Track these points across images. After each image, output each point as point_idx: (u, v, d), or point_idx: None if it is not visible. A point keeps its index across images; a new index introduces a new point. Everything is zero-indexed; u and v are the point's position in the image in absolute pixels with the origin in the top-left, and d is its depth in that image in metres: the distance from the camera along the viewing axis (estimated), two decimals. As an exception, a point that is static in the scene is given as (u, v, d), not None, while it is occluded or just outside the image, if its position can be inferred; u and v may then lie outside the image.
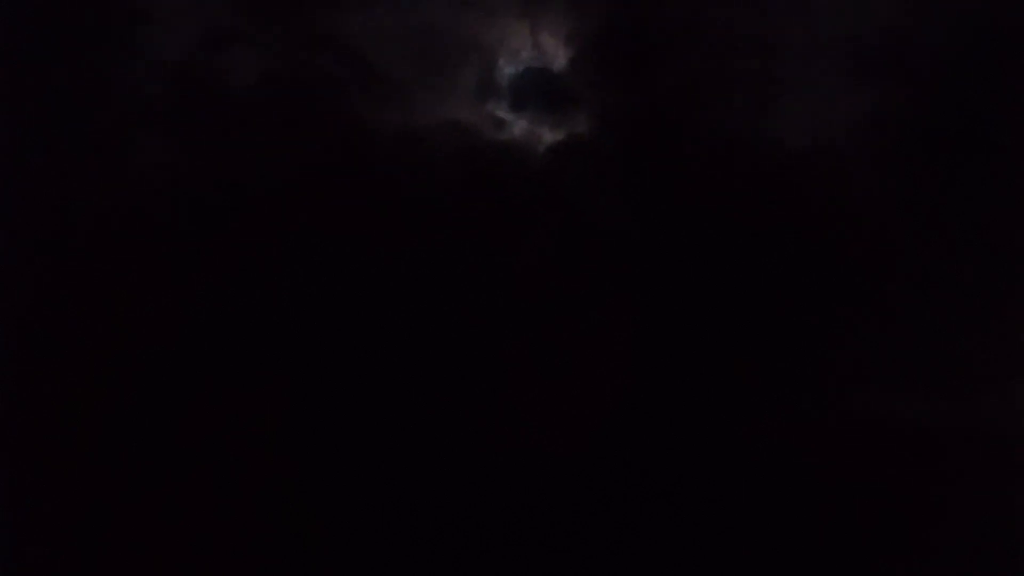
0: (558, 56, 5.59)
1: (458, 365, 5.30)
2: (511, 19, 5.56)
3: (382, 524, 5.09)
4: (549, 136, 5.61)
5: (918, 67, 5.45)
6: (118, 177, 5.13)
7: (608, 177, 5.60)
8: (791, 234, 5.45)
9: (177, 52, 5.22)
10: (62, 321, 5.10)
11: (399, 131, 5.48)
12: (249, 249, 5.26)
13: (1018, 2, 5.46)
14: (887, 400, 5.19)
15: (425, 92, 5.51)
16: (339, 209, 5.41)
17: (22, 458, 5.00)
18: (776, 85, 5.45)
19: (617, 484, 5.22)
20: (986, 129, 5.43)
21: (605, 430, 5.27)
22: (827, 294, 5.41)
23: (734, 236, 5.48)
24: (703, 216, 5.52)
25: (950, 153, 5.42)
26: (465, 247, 5.50)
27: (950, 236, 5.37)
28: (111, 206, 5.11)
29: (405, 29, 5.47)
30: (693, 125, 5.54)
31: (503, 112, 5.62)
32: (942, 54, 5.42)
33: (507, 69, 5.62)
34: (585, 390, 5.34)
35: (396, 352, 5.28)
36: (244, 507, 5.01)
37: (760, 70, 5.46)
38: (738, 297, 5.42)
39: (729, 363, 5.34)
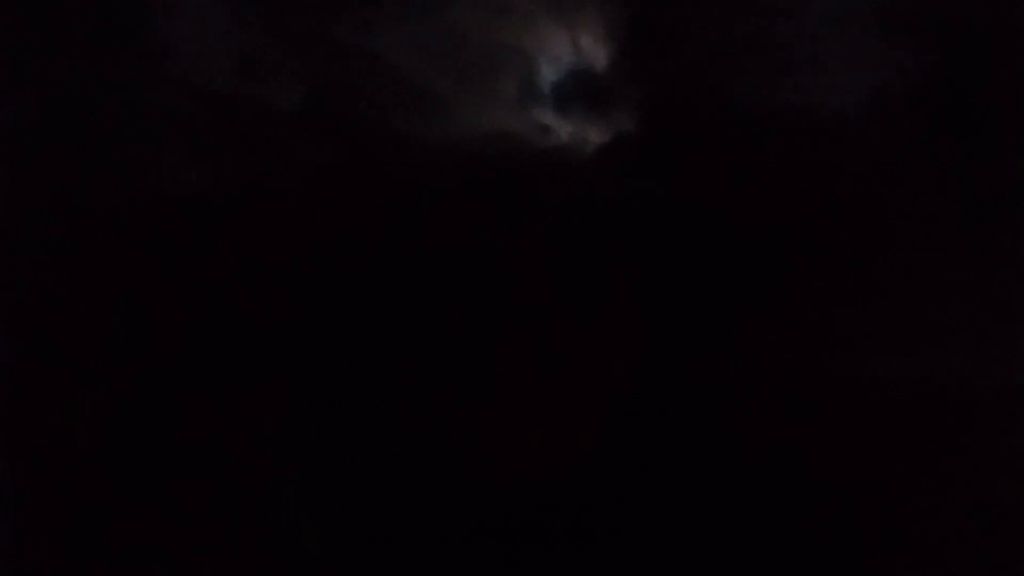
0: (599, 56, 5.47)
1: (504, 379, 5.19)
2: (548, 23, 5.45)
3: (383, 526, 4.99)
4: (596, 138, 5.45)
5: (945, 25, 5.32)
6: (155, 197, 5.07)
7: (658, 171, 5.46)
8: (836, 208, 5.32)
9: (212, 75, 5.12)
10: (89, 333, 5.01)
11: (443, 144, 5.32)
12: (292, 265, 5.15)
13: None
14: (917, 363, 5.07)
15: (467, 103, 5.37)
16: (386, 225, 5.26)
17: (22, 458, 4.94)
18: (816, 59, 5.32)
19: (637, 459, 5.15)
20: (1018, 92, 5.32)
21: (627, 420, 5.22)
22: (856, 265, 5.27)
23: (787, 220, 5.33)
24: (754, 200, 5.38)
25: (981, 118, 5.27)
26: (516, 254, 5.35)
27: (980, 203, 5.22)
28: (148, 224, 5.06)
29: (441, 41, 5.36)
30: (737, 107, 5.43)
31: (548, 118, 5.47)
32: (970, 11, 5.32)
33: (548, 74, 5.49)
34: (626, 398, 5.24)
35: (440, 366, 5.19)
36: (244, 508, 4.97)
37: (795, 42, 5.33)
38: (778, 275, 5.31)
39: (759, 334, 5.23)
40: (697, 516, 5.00)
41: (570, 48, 5.46)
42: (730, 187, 5.42)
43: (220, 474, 4.97)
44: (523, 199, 5.41)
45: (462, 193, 5.34)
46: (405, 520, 5.01)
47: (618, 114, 5.43)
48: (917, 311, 5.17)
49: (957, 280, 5.17)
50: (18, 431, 4.93)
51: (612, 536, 5.00)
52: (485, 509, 5.00)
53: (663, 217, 5.43)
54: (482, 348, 5.25)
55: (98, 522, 4.87)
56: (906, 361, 5.09)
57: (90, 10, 5.07)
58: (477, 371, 5.15)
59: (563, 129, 5.46)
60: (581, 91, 5.47)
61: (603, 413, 5.22)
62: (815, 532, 4.93)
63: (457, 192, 5.34)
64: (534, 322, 5.33)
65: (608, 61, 5.44)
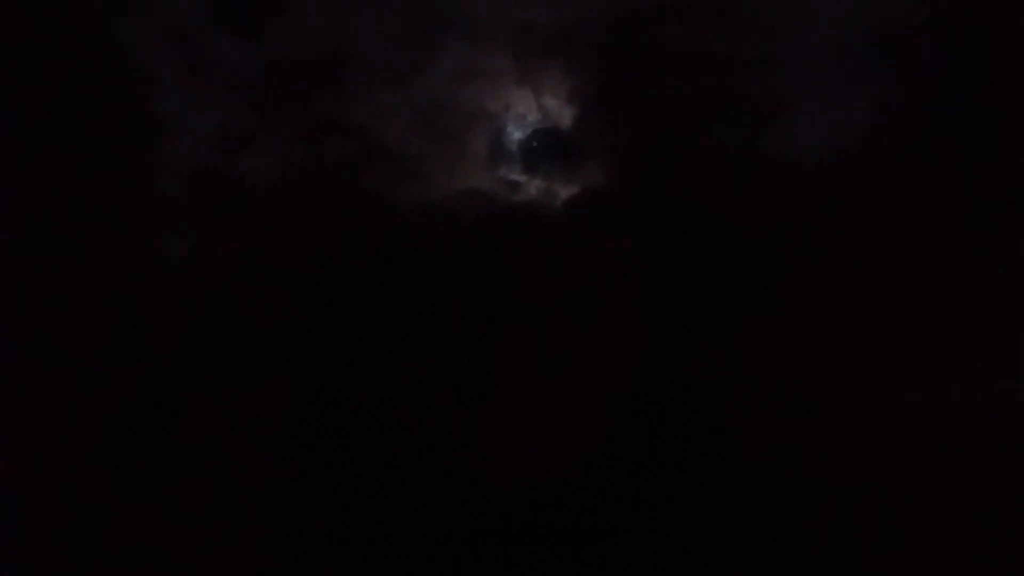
0: (563, 115, 5.78)
1: (487, 431, 5.35)
2: (513, 87, 5.78)
3: (384, 526, 5.14)
4: (564, 191, 5.74)
5: (913, 67, 5.47)
6: (150, 273, 5.43)
7: (626, 219, 5.68)
8: (810, 244, 5.49)
9: (197, 153, 5.56)
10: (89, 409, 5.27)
11: (418, 205, 5.65)
12: (279, 331, 5.45)
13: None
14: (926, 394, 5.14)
15: (439, 165, 5.71)
16: (367, 287, 5.57)
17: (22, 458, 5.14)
18: (778, 105, 5.51)
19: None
20: (989, 121, 5.39)
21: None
22: (846, 296, 5.40)
23: (755, 255, 5.53)
24: (723, 240, 5.58)
25: (956, 148, 5.39)
26: (494, 306, 5.60)
27: (963, 232, 5.32)
28: (143, 300, 5.37)
29: (412, 107, 5.72)
30: (701, 154, 5.63)
31: (516, 175, 5.79)
32: (935, 52, 5.42)
33: (515, 134, 5.83)
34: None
35: (425, 420, 5.38)
36: (244, 508, 5.13)
37: (761, 92, 5.53)
38: (761, 310, 5.46)
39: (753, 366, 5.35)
40: (696, 516, 5.12)
41: (535, 109, 5.80)
42: (700, 231, 5.62)
43: (220, 474, 5.17)
44: (497, 251, 5.68)
45: (439, 249, 5.66)
46: (406, 519, 5.18)
47: (583, 168, 5.71)
48: (917, 346, 5.26)
49: (955, 317, 5.24)
50: (18, 431, 5.14)
51: (612, 536, 5.12)
52: (485, 509, 5.14)
53: (630, 260, 5.65)
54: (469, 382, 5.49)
55: (98, 522, 5.04)
56: (907, 389, 5.19)
57: (83, 93, 5.47)
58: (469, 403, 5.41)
59: (532, 184, 5.77)
60: (547, 148, 5.79)
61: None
62: (812, 533, 5.01)
63: (435, 248, 5.66)
64: (499, 380, 5.56)
65: (572, 119, 5.76)
